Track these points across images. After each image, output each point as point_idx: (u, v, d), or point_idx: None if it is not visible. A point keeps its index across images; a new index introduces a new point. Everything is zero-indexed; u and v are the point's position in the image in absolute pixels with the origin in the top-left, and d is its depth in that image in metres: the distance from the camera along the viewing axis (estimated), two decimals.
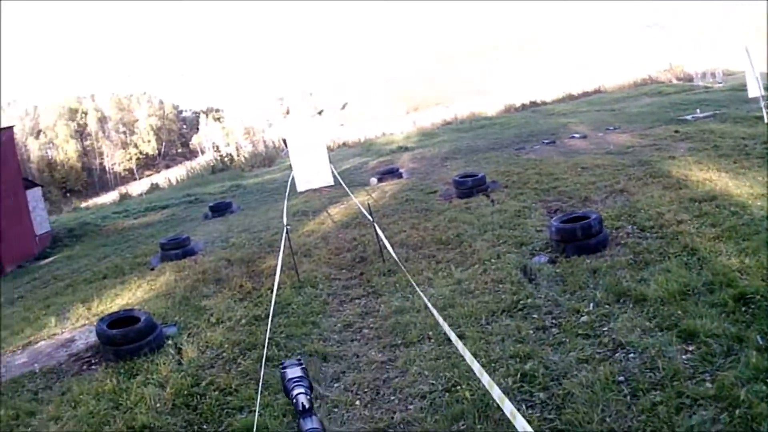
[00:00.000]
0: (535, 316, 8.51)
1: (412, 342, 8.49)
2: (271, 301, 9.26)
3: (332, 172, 13.83)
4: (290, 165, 14.28)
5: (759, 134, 19.41)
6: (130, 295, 14.10)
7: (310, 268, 13.22)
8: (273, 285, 10.04)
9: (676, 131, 23.11)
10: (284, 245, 11.45)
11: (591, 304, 8.45)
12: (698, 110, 28.71)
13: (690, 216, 11.58)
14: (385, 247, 11.26)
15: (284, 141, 17.14)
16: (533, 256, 11.13)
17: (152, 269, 16.36)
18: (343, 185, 15.36)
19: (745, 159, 16.00)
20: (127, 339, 9.65)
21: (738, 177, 14.05)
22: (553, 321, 8.25)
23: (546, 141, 26.69)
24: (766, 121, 21.60)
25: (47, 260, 23.84)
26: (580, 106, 45.14)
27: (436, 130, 46.23)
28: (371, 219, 12.35)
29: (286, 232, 12.06)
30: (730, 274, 8.34)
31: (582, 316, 8.19)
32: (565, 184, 16.65)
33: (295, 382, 2.94)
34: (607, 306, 8.32)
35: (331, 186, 14.80)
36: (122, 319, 10.29)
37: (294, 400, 2.80)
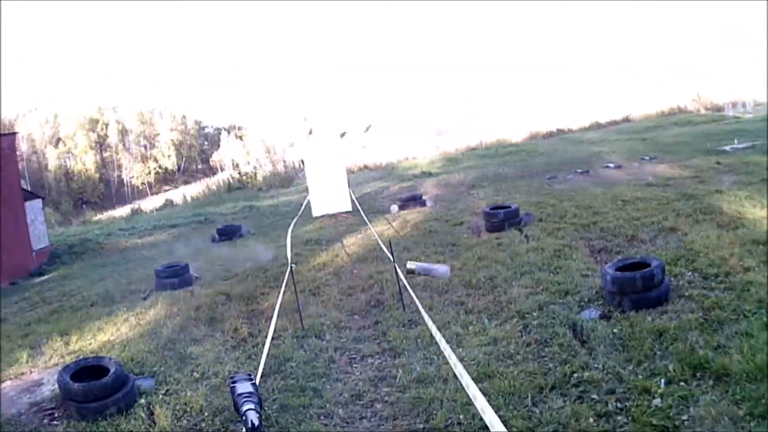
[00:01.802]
0: (594, 396, 6.65)
1: (437, 429, 6.60)
2: (269, 353, 7.78)
3: (351, 198, 12.60)
4: (307, 187, 13.01)
5: None
6: (114, 330, 12.36)
7: (317, 311, 11.42)
8: (274, 330, 8.51)
9: (718, 162, 21.82)
10: (286, 284, 9.79)
11: (662, 381, 6.67)
12: (736, 140, 27.55)
13: (757, 261, 10.05)
14: (406, 290, 9.57)
15: (303, 162, 16.03)
16: (582, 308, 9.30)
17: (144, 298, 14.84)
18: (362, 213, 13.86)
19: None
20: (90, 396, 7.99)
21: None
22: (618, 405, 6.39)
23: (579, 170, 25.36)
24: None
25: (42, 278, 22.44)
26: (609, 134, 44.02)
27: (461, 155, 45.21)
28: (391, 258, 10.60)
29: (290, 270, 10.34)
30: None
31: (654, 397, 6.38)
32: (606, 219, 15.12)
33: (245, 397, 2.77)
34: (682, 383, 6.55)
35: (349, 212, 13.47)
36: (90, 368, 8.62)
37: (243, 417, 2.62)
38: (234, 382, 3.12)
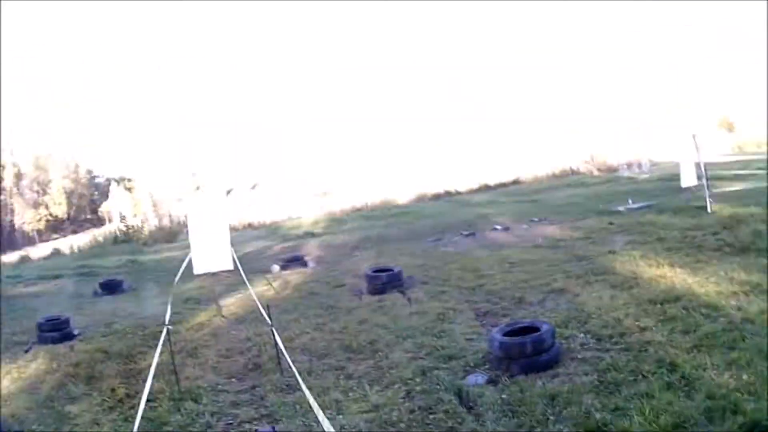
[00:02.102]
0: None
1: None
2: (145, 416, 7.40)
3: (232, 256, 12.32)
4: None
5: (706, 225, 18.57)
6: None
7: (194, 373, 10.81)
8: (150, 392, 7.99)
9: (611, 223, 22.13)
10: (162, 344, 9.41)
11: None
12: (630, 200, 28.12)
13: (654, 321, 9.97)
14: (284, 355, 9.25)
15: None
16: (467, 373, 8.92)
17: (26, 351, 14.34)
18: (242, 273, 13.58)
19: (699, 252, 14.94)
20: None
21: (697, 273, 12.80)
22: None
23: (465, 233, 25.27)
24: (710, 210, 20.97)
25: None
26: (498, 196, 44.43)
27: (346, 216, 45.68)
28: (269, 322, 10.18)
29: (167, 331, 9.94)
30: (730, 396, 6.74)
31: None
32: (492, 281, 14.94)
33: None
34: None
35: (230, 271, 13.19)
36: None
37: None
38: None
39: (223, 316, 14.92)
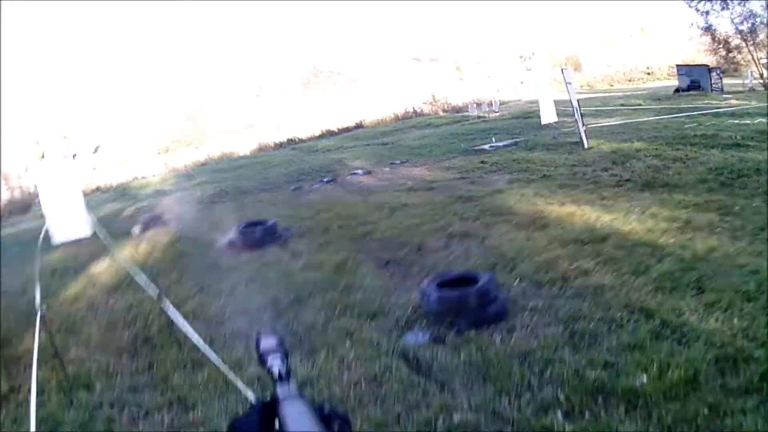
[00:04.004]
0: None
1: None
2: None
3: (90, 222, 10.94)
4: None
5: (590, 161, 18.44)
6: None
7: (79, 354, 9.17)
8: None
9: (483, 162, 21.69)
10: (39, 325, 7.76)
11: (560, 414, 5.44)
12: (493, 139, 28.08)
13: (593, 263, 9.31)
14: (178, 326, 7.81)
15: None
16: (402, 332, 7.82)
17: None
18: (102, 238, 12.03)
19: (599, 189, 14.62)
20: None
21: (610, 210, 12.42)
22: None
23: (325, 179, 24.37)
24: (586, 146, 20.84)
25: None
26: (344, 141, 43.76)
27: (192, 171, 44.70)
28: (156, 288, 8.62)
29: (41, 317, 8.25)
30: (734, 344, 6.12)
31: None
32: (379, 229, 13.94)
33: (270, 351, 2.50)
34: (587, 415, 5.37)
35: (90, 237, 11.76)
36: None
37: (269, 369, 2.36)
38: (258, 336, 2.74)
39: (99, 283, 13.32)
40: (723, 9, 46.14)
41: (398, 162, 26.29)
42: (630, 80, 72.69)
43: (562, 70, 23.46)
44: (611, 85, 68.91)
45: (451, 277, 8.64)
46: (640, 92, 51.59)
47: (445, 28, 70.10)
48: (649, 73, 74.32)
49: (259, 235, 14.27)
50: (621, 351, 6.39)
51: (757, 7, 43.87)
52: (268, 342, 2.77)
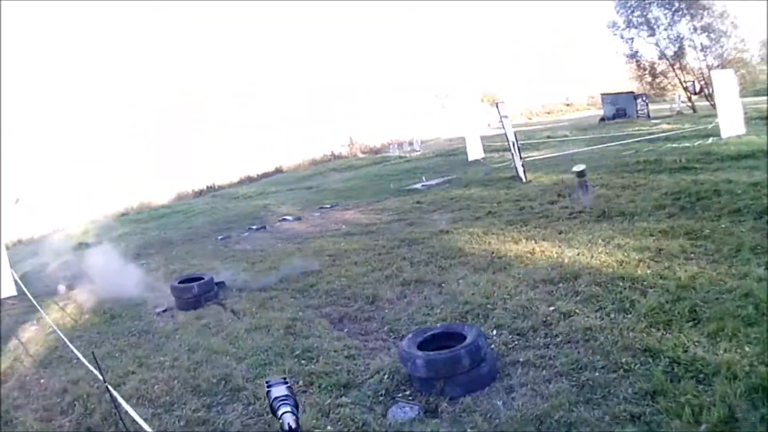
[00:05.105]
0: None
1: None
2: None
3: (14, 280, 10.06)
4: None
5: (533, 195, 18.19)
6: None
7: None
8: None
9: (419, 202, 21.20)
10: None
11: None
12: (423, 177, 27.79)
13: (571, 303, 8.80)
14: (124, 416, 6.72)
15: None
16: (385, 407, 6.86)
17: None
18: (31, 298, 10.93)
19: (553, 223, 14.27)
20: None
21: (571, 244, 12.05)
22: None
23: (254, 227, 23.51)
24: (524, 180, 20.56)
25: None
26: (266, 186, 43.06)
27: (113, 222, 43.12)
28: (102, 378, 7.29)
29: None
30: (757, 372, 5.92)
31: None
32: (324, 279, 13.02)
33: (281, 400, 3.17)
34: None
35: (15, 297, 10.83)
36: None
37: (280, 420, 2.95)
38: (269, 386, 3.41)
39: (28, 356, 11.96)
40: (650, 35, 46.64)
41: (328, 206, 25.66)
42: (549, 112, 73.60)
43: (497, 104, 23.48)
44: (530, 119, 69.53)
45: (432, 333, 7.78)
46: (562, 124, 52.19)
47: (360, 66, 69.73)
48: (568, 105, 75.42)
49: (197, 293, 13.27)
50: (642, 399, 5.97)
51: (684, 30, 44.44)
52: (279, 390, 3.33)
